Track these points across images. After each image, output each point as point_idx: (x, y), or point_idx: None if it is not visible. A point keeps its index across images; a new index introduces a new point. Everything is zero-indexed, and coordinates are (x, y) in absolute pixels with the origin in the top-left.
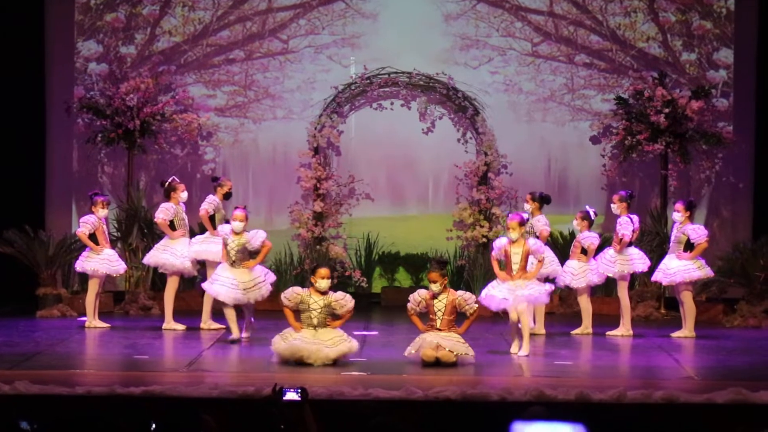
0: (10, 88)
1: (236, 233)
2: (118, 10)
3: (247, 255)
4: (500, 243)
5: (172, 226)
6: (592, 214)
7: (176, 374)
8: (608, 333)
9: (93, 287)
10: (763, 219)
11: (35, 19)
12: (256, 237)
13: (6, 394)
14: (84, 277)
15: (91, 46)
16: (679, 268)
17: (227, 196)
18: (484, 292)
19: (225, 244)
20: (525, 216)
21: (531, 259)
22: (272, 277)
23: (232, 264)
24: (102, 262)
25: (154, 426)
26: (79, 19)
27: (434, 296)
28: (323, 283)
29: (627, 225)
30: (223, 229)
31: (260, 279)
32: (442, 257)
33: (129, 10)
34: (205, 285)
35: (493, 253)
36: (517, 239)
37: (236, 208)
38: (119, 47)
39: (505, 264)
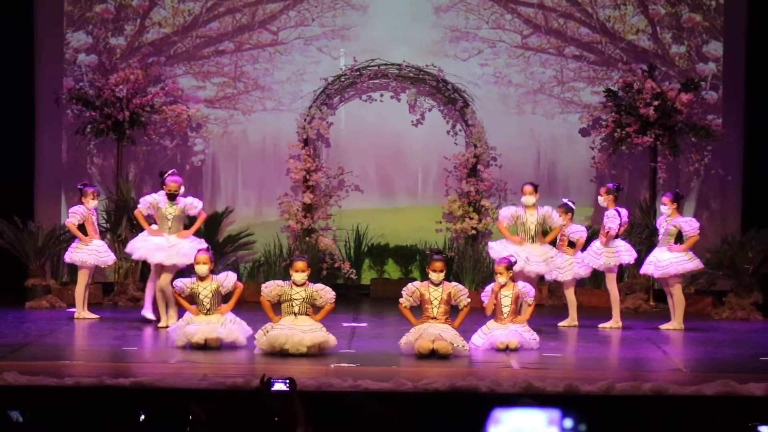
0: None
1: (201, 278)
2: (107, 1)
3: (220, 298)
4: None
5: (153, 220)
6: (570, 204)
7: (165, 365)
8: (600, 325)
9: (82, 278)
10: (751, 211)
11: (24, 9)
12: (228, 279)
13: None
14: (73, 268)
15: (80, 37)
16: (671, 260)
17: (171, 197)
18: (477, 340)
19: (192, 296)
20: (513, 259)
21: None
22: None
23: (206, 313)
24: (91, 253)
25: (143, 417)
26: (68, 10)
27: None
28: (298, 276)
29: (614, 218)
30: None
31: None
32: (439, 249)
33: (119, 1)
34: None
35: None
36: (506, 283)
37: (199, 251)
38: (109, 38)
39: (495, 308)
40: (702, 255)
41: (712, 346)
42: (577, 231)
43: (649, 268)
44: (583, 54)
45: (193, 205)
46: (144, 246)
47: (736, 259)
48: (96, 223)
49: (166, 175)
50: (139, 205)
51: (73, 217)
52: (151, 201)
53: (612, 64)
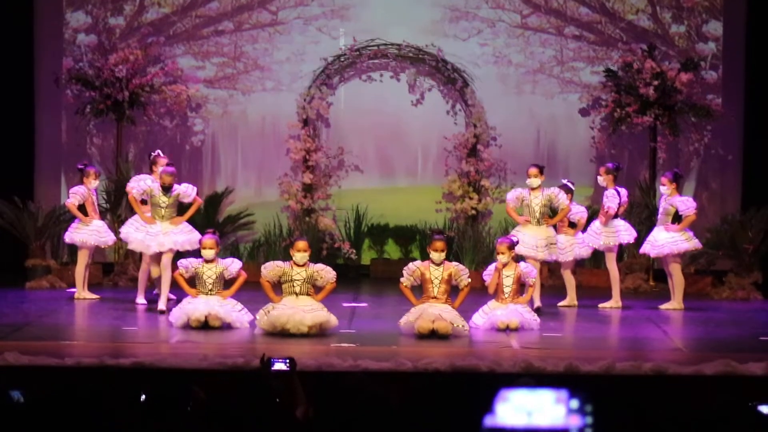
0: None
1: (208, 261)
2: None
3: (223, 283)
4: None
5: (144, 203)
6: (570, 185)
7: (165, 345)
8: (600, 305)
9: (82, 258)
10: (751, 191)
11: None
12: (234, 264)
13: None
14: (73, 249)
15: (79, 17)
16: (667, 240)
17: (166, 189)
18: (478, 320)
19: (198, 275)
20: (514, 239)
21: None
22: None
23: (207, 293)
24: (91, 233)
25: (144, 397)
26: None
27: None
28: (300, 256)
29: (613, 197)
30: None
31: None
32: (440, 229)
33: None
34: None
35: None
36: (507, 262)
37: (206, 234)
38: (108, 18)
39: (497, 289)
40: (702, 235)
41: (712, 325)
42: (578, 212)
43: (646, 247)
44: (583, 34)
45: (188, 192)
46: (138, 238)
47: (736, 238)
48: (96, 204)
49: (160, 168)
50: (133, 190)
51: (74, 197)
52: (145, 188)
53: (612, 44)
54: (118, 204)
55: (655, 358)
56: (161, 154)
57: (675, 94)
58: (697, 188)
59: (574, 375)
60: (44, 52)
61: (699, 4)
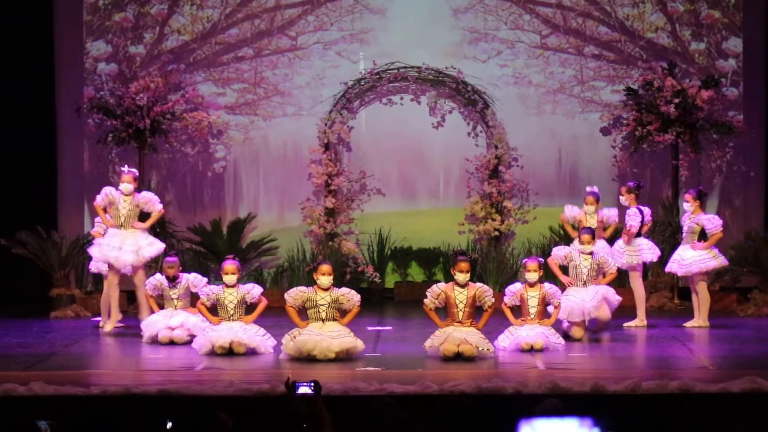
0: (20, 89)
1: (229, 286)
2: (126, 9)
3: (244, 308)
4: (515, 288)
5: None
6: (595, 191)
7: (191, 373)
8: (625, 324)
9: (107, 287)
10: None
11: (44, 19)
12: (255, 289)
13: (22, 395)
14: (98, 278)
15: (100, 46)
16: (694, 259)
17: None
18: (503, 341)
19: (219, 301)
20: (541, 259)
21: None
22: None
23: (230, 318)
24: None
25: (170, 425)
26: (87, 19)
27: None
28: (325, 280)
29: (635, 216)
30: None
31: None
32: (463, 250)
33: (137, 10)
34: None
35: (506, 299)
36: (534, 283)
37: (227, 260)
38: (128, 47)
39: (522, 309)
40: (726, 252)
41: (738, 343)
42: (611, 217)
43: (673, 266)
44: (603, 53)
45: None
46: (98, 258)
47: (759, 255)
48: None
49: (122, 171)
50: (97, 199)
51: (99, 226)
52: (108, 193)
53: (632, 63)
54: None
55: (681, 377)
56: (125, 170)
57: (696, 112)
58: (720, 205)
59: (601, 395)
60: (65, 81)
61: (718, 21)
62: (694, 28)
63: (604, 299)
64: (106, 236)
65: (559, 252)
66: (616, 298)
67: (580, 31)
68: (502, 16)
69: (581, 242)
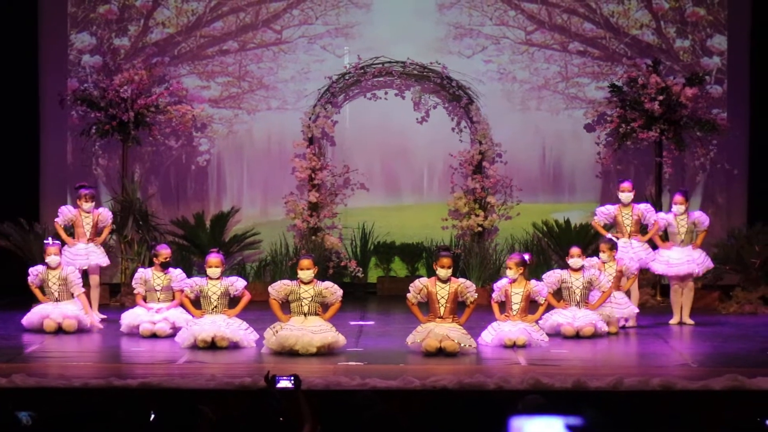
0: (3, 80)
1: (212, 279)
2: (111, 1)
3: (228, 300)
4: (500, 284)
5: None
6: (614, 239)
7: (173, 366)
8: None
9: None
10: (757, 205)
11: (28, 11)
12: (238, 282)
13: (3, 387)
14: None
15: (84, 38)
16: (699, 260)
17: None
18: (486, 337)
19: (203, 293)
20: (525, 256)
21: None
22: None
23: (213, 311)
24: (74, 257)
25: (153, 416)
26: (72, 11)
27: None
28: (305, 274)
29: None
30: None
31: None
32: (446, 245)
33: (122, 2)
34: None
35: (494, 295)
36: (517, 279)
37: (210, 253)
38: (113, 39)
39: (505, 305)
40: (709, 250)
41: (719, 340)
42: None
43: (685, 266)
44: (588, 49)
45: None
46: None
47: (742, 253)
48: (84, 226)
49: (80, 190)
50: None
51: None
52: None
53: (616, 60)
54: (124, 224)
55: (663, 374)
56: (86, 190)
57: (680, 109)
58: (703, 203)
59: (582, 391)
60: (49, 73)
61: (703, 18)
62: (679, 25)
63: (591, 324)
64: (71, 251)
65: (550, 279)
66: (603, 330)
67: (565, 27)
68: (487, 11)
69: (570, 256)
